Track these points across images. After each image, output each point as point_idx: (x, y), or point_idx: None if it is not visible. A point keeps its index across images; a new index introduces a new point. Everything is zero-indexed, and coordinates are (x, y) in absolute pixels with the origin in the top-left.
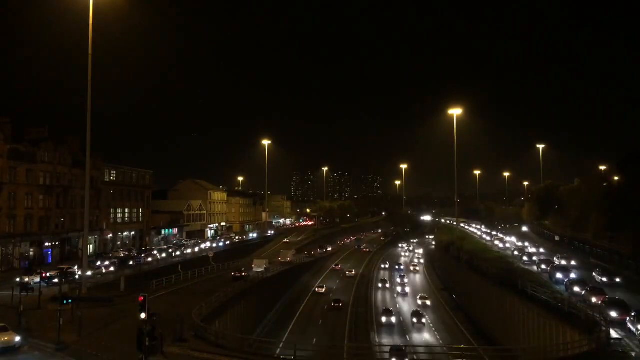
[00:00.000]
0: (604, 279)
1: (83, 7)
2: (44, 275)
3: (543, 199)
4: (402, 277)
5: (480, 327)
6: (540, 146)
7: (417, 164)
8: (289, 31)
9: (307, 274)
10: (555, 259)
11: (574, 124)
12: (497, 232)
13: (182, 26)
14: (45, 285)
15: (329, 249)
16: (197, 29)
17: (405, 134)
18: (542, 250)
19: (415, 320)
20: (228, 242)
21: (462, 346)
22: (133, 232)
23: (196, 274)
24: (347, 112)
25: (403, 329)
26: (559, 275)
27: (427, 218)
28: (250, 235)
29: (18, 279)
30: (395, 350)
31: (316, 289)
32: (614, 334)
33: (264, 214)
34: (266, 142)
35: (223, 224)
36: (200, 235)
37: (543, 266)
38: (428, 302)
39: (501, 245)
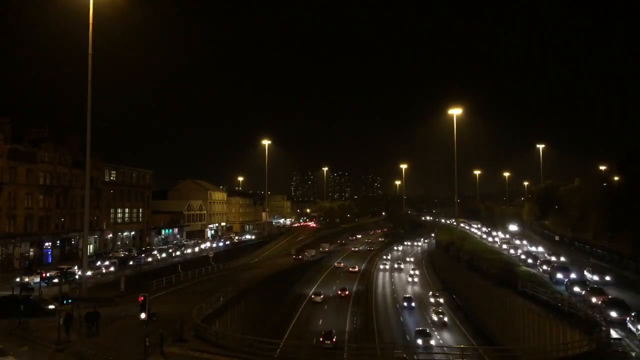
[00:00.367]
0: (595, 277)
1: (83, 7)
2: (44, 275)
3: (543, 199)
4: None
5: (480, 327)
6: (540, 146)
7: (417, 164)
8: (289, 31)
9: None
10: (546, 255)
11: (574, 124)
12: (497, 232)
13: (182, 26)
14: (45, 285)
15: (344, 242)
16: (197, 29)
17: (405, 134)
18: (540, 249)
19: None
20: (228, 242)
21: (462, 346)
22: (133, 232)
23: (196, 274)
24: (347, 112)
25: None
26: (559, 276)
27: (427, 218)
28: (246, 236)
29: (18, 279)
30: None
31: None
32: (614, 334)
33: (264, 214)
34: (266, 142)
35: (223, 224)
36: (200, 235)
37: (544, 267)
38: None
39: (504, 246)
